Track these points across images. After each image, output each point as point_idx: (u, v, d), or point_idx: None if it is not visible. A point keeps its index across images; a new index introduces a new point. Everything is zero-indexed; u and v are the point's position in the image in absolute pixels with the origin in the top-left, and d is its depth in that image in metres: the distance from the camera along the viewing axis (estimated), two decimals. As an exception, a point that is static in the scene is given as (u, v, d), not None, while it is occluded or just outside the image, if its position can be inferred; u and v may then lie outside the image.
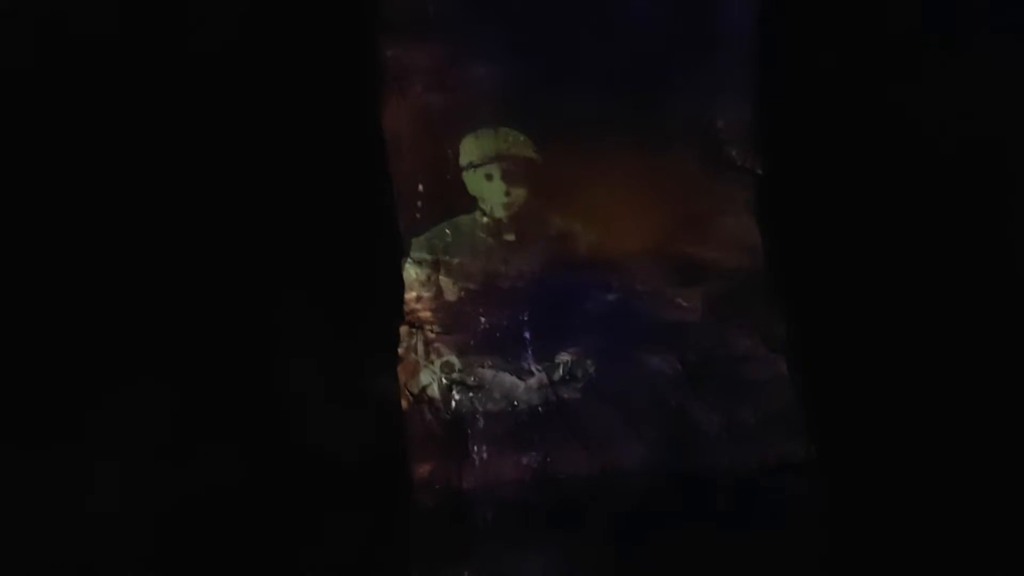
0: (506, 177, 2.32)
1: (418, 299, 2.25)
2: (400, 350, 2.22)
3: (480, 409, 2.21)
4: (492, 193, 2.32)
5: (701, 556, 2.10)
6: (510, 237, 2.30)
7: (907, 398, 2.17)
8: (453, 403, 2.21)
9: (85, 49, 2.20)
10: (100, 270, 2.16)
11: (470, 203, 2.31)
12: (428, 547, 2.13)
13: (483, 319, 2.25)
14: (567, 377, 2.23)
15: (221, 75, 2.25)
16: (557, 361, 2.23)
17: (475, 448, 2.18)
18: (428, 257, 2.27)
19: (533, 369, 2.23)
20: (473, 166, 2.32)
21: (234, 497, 2.07)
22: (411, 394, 2.20)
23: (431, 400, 2.21)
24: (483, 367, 2.23)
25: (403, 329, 2.23)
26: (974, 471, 2.09)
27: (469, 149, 2.32)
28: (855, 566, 2.07)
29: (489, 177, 2.32)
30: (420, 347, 2.23)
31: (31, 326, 2.11)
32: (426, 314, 2.24)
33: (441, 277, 2.27)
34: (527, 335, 2.24)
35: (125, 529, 2.03)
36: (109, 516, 2.02)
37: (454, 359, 2.23)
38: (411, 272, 2.26)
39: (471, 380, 2.22)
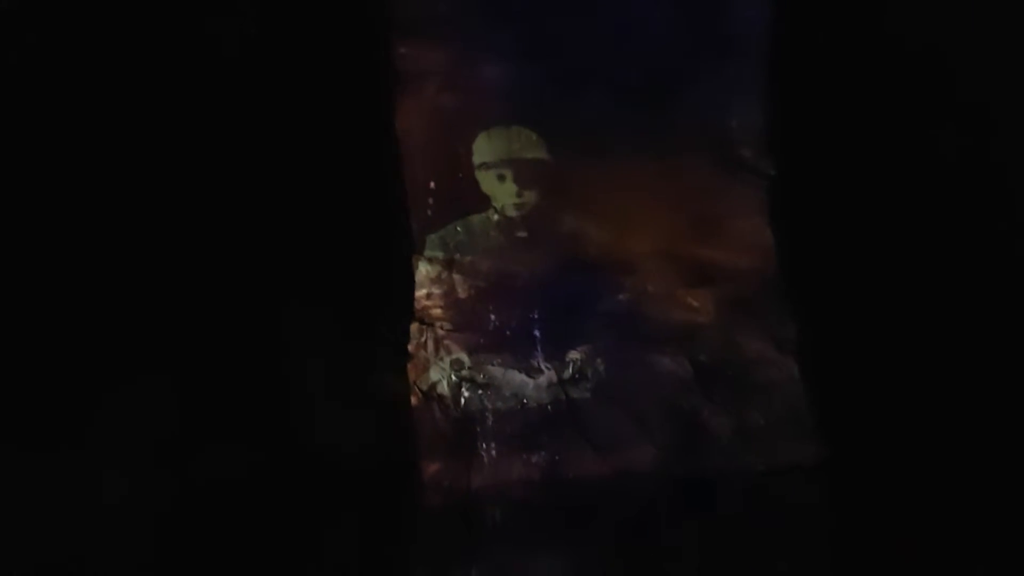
0: (518, 178, 2.32)
1: (429, 296, 2.25)
2: (410, 347, 2.22)
3: (489, 407, 2.20)
4: (504, 193, 2.32)
5: (710, 558, 2.09)
6: (522, 235, 2.30)
7: (918, 401, 2.16)
8: (462, 401, 2.21)
9: (98, 48, 2.22)
10: (109, 264, 2.16)
11: (483, 201, 2.31)
12: (435, 545, 2.13)
13: (494, 317, 2.25)
14: (577, 376, 2.22)
15: (235, 75, 2.26)
16: (567, 360, 2.23)
17: (484, 446, 2.18)
18: (440, 255, 2.27)
19: (543, 367, 2.22)
20: (486, 166, 2.32)
21: (242, 492, 2.07)
22: (420, 391, 2.20)
23: (440, 397, 2.21)
24: (493, 365, 2.22)
25: (414, 326, 2.23)
26: (984, 474, 2.07)
27: (482, 149, 2.32)
28: (864, 568, 2.06)
29: (501, 178, 2.32)
30: (430, 344, 2.23)
31: (43, 323, 2.12)
32: (437, 311, 2.24)
33: (453, 275, 2.27)
34: (537, 333, 2.24)
35: (134, 524, 2.03)
36: (119, 510, 2.03)
37: (464, 356, 2.23)
38: (423, 269, 2.26)
39: (480, 378, 2.22)
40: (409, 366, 2.21)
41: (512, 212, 2.31)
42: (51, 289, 2.14)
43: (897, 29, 2.31)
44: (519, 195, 2.32)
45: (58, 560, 1.99)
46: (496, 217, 2.31)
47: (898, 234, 2.27)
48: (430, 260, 2.27)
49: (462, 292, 2.26)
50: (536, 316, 2.25)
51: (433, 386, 2.21)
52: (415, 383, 2.21)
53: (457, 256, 2.28)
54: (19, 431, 2.06)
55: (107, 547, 2.00)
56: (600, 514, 2.14)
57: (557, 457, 2.19)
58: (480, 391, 2.21)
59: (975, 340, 2.20)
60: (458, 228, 2.30)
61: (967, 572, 2.02)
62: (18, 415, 2.07)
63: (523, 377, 2.22)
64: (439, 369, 2.22)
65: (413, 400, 2.20)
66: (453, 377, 2.22)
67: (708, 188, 2.32)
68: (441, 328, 2.24)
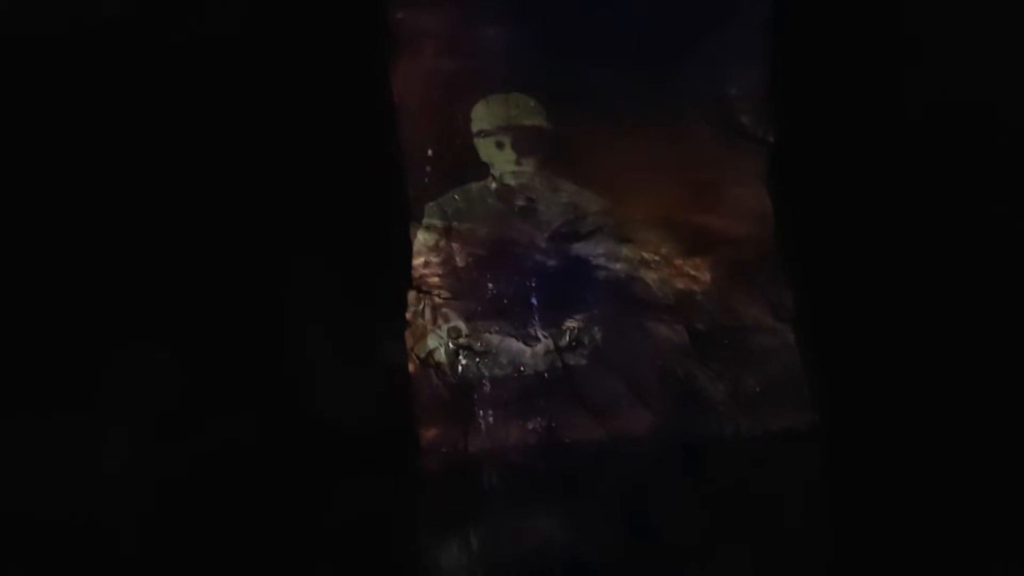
0: (516, 146, 2.31)
1: (426, 264, 2.26)
2: (408, 315, 2.22)
3: (486, 374, 2.22)
4: (503, 161, 2.32)
5: (704, 522, 2.11)
6: (520, 203, 2.30)
7: (914, 368, 2.17)
8: (459, 368, 2.22)
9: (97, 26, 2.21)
10: (113, 232, 2.17)
11: (482, 168, 2.31)
12: (434, 510, 2.15)
13: (491, 285, 2.26)
14: (573, 344, 2.23)
15: (232, 38, 2.25)
16: (564, 328, 2.24)
17: (481, 413, 2.19)
18: (438, 223, 2.27)
19: (540, 335, 2.23)
20: (484, 133, 2.31)
21: (241, 459, 2.09)
22: (418, 358, 2.22)
23: (438, 365, 2.22)
24: (490, 332, 2.23)
25: (411, 294, 2.24)
26: (980, 442, 2.08)
27: (480, 117, 2.31)
28: (859, 534, 2.08)
29: (500, 145, 2.32)
30: (428, 312, 2.24)
31: (49, 290, 2.13)
32: (434, 279, 2.25)
33: (451, 243, 2.27)
34: (534, 301, 2.24)
35: (137, 492, 2.05)
36: (123, 477, 2.05)
37: (461, 324, 2.24)
38: (421, 237, 2.26)
39: (478, 345, 2.23)
40: (407, 333, 2.22)
41: (510, 180, 2.31)
42: (55, 256, 2.15)
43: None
44: (518, 163, 2.31)
45: (61, 523, 2.02)
46: (494, 185, 2.31)
47: (896, 201, 2.26)
48: (428, 228, 2.27)
49: (460, 260, 2.27)
50: (533, 284, 2.25)
51: (430, 353, 2.22)
52: (412, 350, 2.22)
53: (455, 224, 2.28)
54: (24, 397, 2.07)
55: (110, 511, 2.02)
56: (596, 479, 2.16)
57: (554, 423, 2.20)
58: (477, 358, 2.22)
59: (973, 308, 2.20)
60: (456, 196, 2.30)
61: (962, 540, 2.03)
62: (23, 381, 2.08)
63: (520, 345, 2.23)
64: (436, 337, 2.23)
65: (410, 367, 2.21)
66: (450, 345, 2.23)
67: (707, 155, 2.31)
68: (439, 296, 2.24)
